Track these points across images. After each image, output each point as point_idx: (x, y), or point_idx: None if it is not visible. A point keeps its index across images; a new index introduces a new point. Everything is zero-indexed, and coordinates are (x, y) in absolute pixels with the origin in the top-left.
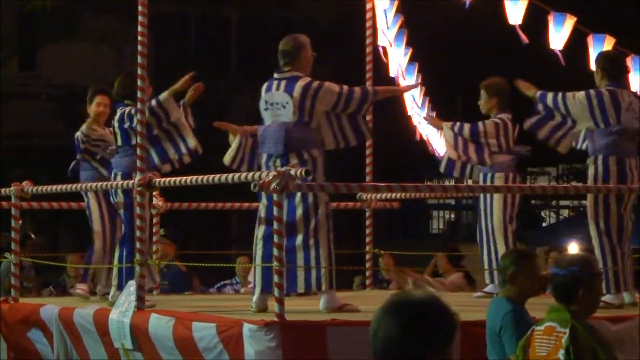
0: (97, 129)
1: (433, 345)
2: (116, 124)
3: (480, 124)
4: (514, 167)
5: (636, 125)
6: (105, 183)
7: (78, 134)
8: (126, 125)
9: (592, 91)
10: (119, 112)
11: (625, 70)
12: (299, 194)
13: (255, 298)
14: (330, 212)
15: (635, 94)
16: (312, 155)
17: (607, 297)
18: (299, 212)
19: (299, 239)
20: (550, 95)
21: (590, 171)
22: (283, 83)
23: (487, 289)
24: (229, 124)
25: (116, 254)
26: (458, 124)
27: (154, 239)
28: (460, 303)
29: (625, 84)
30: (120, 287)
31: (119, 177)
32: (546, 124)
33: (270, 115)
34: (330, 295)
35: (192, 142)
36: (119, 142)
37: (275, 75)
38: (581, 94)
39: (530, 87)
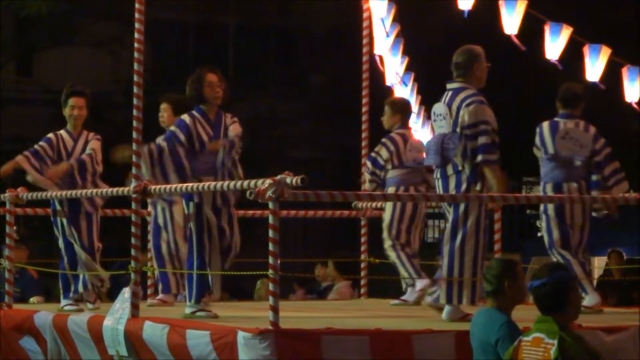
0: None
1: None
2: None
3: (373, 153)
4: (410, 179)
5: (575, 152)
6: (101, 190)
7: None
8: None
9: (542, 124)
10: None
11: (580, 102)
12: (462, 205)
13: (446, 310)
14: (483, 223)
15: (584, 124)
16: (467, 166)
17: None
18: (450, 220)
19: (446, 248)
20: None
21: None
22: (449, 95)
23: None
24: None
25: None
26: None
27: (148, 246)
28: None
29: (577, 115)
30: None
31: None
32: None
33: (437, 126)
34: (454, 307)
35: None
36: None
37: (447, 87)
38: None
39: None
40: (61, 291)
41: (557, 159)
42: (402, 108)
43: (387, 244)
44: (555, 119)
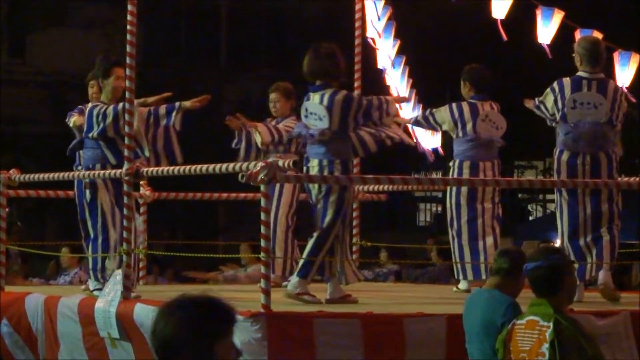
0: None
1: None
2: None
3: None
4: None
5: (493, 134)
6: (92, 172)
7: (109, 110)
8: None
9: (454, 104)
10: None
11: (490, 82)
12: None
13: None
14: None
15: (496, 105)
16: (616, 153)
17: None
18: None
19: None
20: (427, 112)
21: (450, 173)
22: (594, 84)
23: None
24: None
25: (308, 246)
26: None
27: (141, 228)
28: (443, 296)
29: (486, 97)
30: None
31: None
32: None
33: (578, 114)
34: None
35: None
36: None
37: (585, 76)
38: (444, 108)
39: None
40: (91, 272)
41: (477, 140)
42: (292, 93)
43: (282, 229)
44: (471, 100)
